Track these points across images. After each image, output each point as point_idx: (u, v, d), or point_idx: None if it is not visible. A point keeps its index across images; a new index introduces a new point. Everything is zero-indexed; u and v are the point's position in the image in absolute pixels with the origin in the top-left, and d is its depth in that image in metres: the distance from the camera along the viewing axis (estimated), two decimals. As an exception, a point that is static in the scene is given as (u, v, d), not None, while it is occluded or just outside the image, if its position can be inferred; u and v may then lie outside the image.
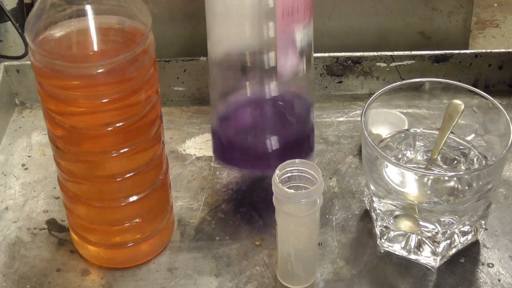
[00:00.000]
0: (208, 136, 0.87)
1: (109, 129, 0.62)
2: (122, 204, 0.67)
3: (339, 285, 0.69)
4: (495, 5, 1.12)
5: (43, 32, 0.58)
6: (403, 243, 0.71)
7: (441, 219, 0.67)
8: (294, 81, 0.69)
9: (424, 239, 0.69)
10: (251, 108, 0.72)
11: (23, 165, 0.84)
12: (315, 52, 0.81)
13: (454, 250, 0.71)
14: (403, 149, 0.75)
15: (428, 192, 0.68)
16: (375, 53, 0.91)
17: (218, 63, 0.70)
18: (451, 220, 0.68)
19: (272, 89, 0.68)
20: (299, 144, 0.74)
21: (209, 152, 0.85)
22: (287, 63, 0.67)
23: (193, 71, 0.92)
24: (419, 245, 0.70)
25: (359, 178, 0.80)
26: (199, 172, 0.82)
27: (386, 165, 0.68)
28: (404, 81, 0.74)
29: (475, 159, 0.72)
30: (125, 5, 0.60)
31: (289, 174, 0.63)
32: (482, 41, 1.04)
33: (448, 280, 0.69)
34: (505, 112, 0.69)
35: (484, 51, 0.91)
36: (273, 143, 0.71)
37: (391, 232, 0.71)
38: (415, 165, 0.73)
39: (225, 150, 0.75)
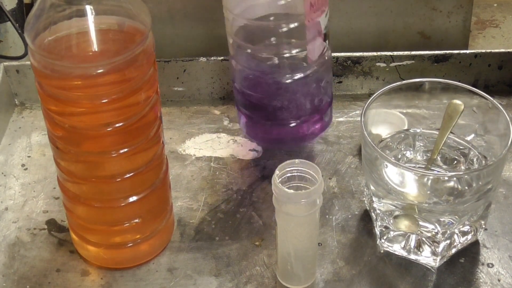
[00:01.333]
0: (207, 136, 0.87)
1: (109, 129, 0.62)
2: (122, 205, 0.67)
3: (339, 285, 0.69)
4: (495, 5, 1.12)
5: (43, 32, 0.58)
6: (403, 243, 0.71)
7: (441, 219, 0.67)
8: (318, 63, 0.76)
9: (424, 239, 0.69)
10: (273, 90, 0.77)
11: (22, 165, 0.84)
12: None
13: (454, 250, 0.71)
14: (402, 149, 0.75)
15: (428, 192, 0.68)
16: (374, 53, 0.91)
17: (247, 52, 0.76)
18: (451, 220, 0.68)
19: (298, 70, 0.75)
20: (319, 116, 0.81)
21: (208, 152, 0.85)
22: (315, 50, 0.74)
23: (192, 71, 0.92)
24: (419, 245, 0.70)
25: (359, 178, 0.80)
26: (198, 172, 0.82)
27: (386, 165, 0.68)
28: (403, 81, 0.74)
29: (474, 159, 0.72)
30: (124, 5, 0.60)
31: (289, 174, 0.63)
32: (481, 41, 1.04)
33: (448, 280, 0.69)
34: (504, 112, 0.69)
35: (483, 51, 0.91)
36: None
37: (391, 232, 0.71)
38: (415, 165, 0.73)
39: (252, 126, 0.81)
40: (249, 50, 0.76)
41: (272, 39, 0.74)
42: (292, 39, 0.75)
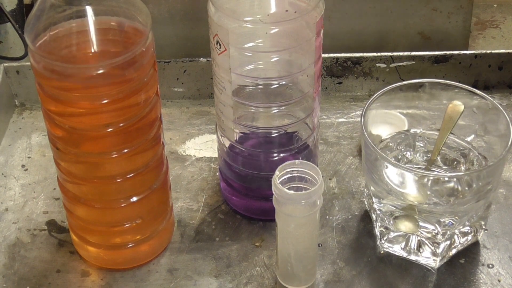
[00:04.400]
0: (208, 137, 0.87)
1: (109, 130, 0.62)
2: (122, 205, 0.67)
3: (339, 286, 0.69)
4: (495, 5, 1.12)
5: (43, 33, 0.58)
6: (403, 244, 0.71)
7: (441, 219, 0.67)
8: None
9: (424, 240, 0.69)
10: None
11: (23, 166, 0.84)
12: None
13: (454, 251, 0.71)
14: (403, 149, 0.75)
15: (428, 192, 0.68)
16: (375, 54, 0.91)
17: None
18: (451, 220, 0.68)
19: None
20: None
21: (209, 153, 0.85)
22: (317, 116, 0.74)
23: (192, 72, 0.92)
24: (419, 246, 0.70)
25: (359, 179, 0.80)
26: (199, 173, 0.82)
27: (386, 166, 0.68)
28: (404, 82, 0.74)
29: (475, 160, 0.72)
30: (124, 6, 0.60)
31: (289, 175, 0.63)
32: (482, 41, 1.04)
33: (448, 281, 0.69)
34: (504, 112, 0.69)
35: (484, 51, 0.91)
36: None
37: (391, 233, 0.71)
38: (415, 166, 0.73)
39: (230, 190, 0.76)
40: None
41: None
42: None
